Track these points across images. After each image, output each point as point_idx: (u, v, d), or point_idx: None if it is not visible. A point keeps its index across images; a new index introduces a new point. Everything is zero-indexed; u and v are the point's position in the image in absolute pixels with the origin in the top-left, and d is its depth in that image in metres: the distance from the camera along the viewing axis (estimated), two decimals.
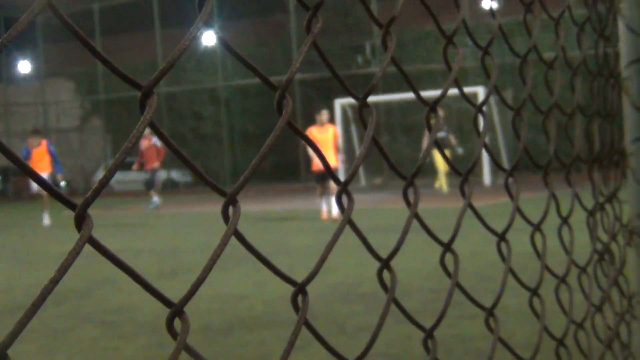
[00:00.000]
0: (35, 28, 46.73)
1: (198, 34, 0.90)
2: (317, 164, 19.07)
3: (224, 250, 0.98)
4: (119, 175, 36.21)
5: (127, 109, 43.24)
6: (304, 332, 1.16)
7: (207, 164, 41.49)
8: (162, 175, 29.50)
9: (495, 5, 33.57)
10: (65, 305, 9.35)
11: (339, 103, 31.38)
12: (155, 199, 27.45)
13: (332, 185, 17.94)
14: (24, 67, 49.42)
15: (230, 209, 0.99)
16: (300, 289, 1.10)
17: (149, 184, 28.31)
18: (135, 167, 28.75)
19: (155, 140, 26.58)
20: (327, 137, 19.03)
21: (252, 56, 35.08)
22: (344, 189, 1.14)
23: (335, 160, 19.22)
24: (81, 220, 0.79)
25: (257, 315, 8.44)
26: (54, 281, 0.79)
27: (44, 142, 23.12)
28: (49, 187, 0.80)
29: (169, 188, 43.09)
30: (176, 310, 0.93)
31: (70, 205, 0.80)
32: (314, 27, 1.06)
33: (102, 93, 44.65)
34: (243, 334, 7.60)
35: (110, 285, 10.66)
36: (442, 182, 27.73)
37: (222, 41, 0.99)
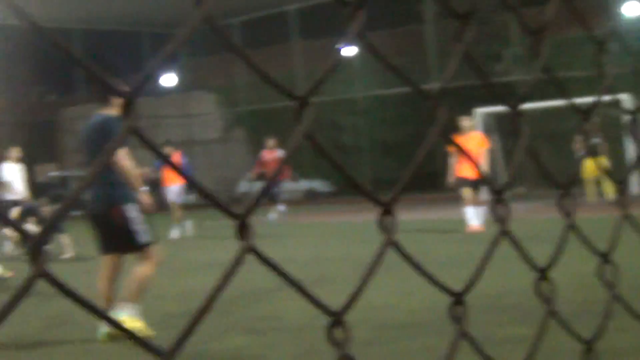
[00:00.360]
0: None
1: (343, 44, 0.91)
2: (464, 171, 18.49)
3: (380, 260, 0.98)
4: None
5: (267, 120, 43.77)
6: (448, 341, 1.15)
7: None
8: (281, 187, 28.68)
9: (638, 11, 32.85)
10: (212, 313, 9.46)
11: (479, 112, 31.02)
12: (273, 215, 26.94)
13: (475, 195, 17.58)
14: (169, 80, 50.60)
15: (387, 219, 0.99)
16: (458, 299, 1.09)
17: (273, 197, 27.19)
18: (252, 176, 28.76)
19: (279, 153, 26.17)
20: (470, 145, 17.86)
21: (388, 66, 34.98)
22: (499, 198, 1.13)
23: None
24: (243, 229, 0.80)
25: (403, 325, 8.39)
26: (219, 289, 0.80)
27: (177, 154, 23.42)
28: (210, 196, 0.81)
29: (311, 198, 43.44)
30: (336, 318, 0.94)
31: (233, 215, 0.81)
32: (466, 36, 1.05)
33: (243, 105, 45.35)
34: (388, 344, 7.57)
35: (256, 294, 10.77)
36: (588, 190, 26.75)
37: (372, 49, 0.99)
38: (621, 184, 1.47)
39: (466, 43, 1.05)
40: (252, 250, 0.81)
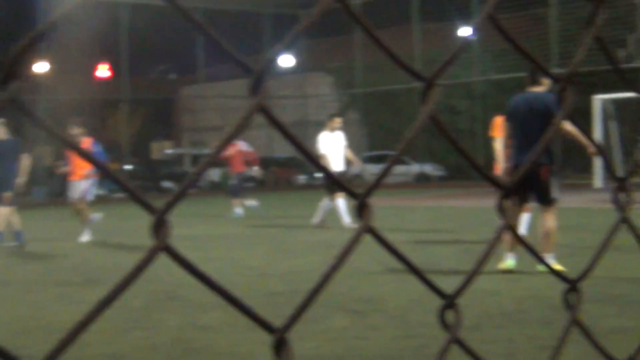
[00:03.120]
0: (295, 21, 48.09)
1: (476, 27, 0.90)
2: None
3: (495, 245, 0.97)
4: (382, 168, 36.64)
5: (383, 102, 43.81)
6: (554, 332, 1.13)
7: (461, 159, 41.24)
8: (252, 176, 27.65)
9: None
10: (317, 294, 9.55)
11: (599, 99, 30.42)
12: (238, 209, 25.12)
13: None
14: (286, 61, 50.98)
15: (505, 203, 0.98)
16: (573, 286, 1.07)
17: (234, 191, 25.68)
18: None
19: (242, 145, 25.12)
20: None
21: (509, 50, 34.69)
22: (621, 185, 1.10)
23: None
24: (362, 209, 0.80)
25: (507, 312, 8.33)
26: (333, 267, 0.80)
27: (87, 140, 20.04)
28: (331, 175, 0.81)
29: (422, 181, 43.32)
30: (449, 301, 0.93)
31: (353, 194, 0.81)
32: (598, 19, 1.03)
33: (359, 87, 45.41)
34: (491, 331, 7.51)
35: (361, 277, 10.79)
36: None
37: (502, 32, 0.98)
38: None
39: (598, 27, 1.03)
40: (370, 231, 0.80)
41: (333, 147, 18.75)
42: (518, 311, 8.40)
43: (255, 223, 21.44)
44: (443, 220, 21.28)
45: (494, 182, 1.01)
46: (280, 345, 0.84)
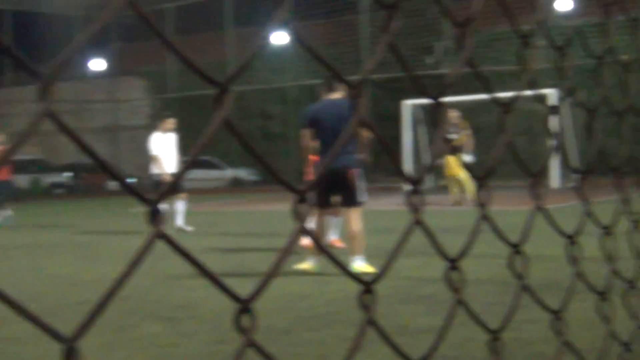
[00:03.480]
0: (110, 27, 47.33)
1: (271, 32, 0.91)
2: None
3: (291, 248, 0.98)
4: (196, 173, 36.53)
5: (197, 107, 43.58)
6: (367, 332, 1.15)
7: (275, 162, 41.49)
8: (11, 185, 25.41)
9: (570, 7, 33.37)
10: (128, 301, 9.43)
11: (408, 103, 31.25)
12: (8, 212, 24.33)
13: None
14: (97, 65, 50.06)
15: (301, 207, 0.99)
16: (368, 288, 1.10)
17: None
18: None
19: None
20: None
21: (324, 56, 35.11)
22: (415, 188, 1.14)
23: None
24: (154, 215, 0.79)
25: (319, 315, 8.43)
26: (125, 274, 0.79)
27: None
28: (125, 183, 0.81)
29: (236, 186, 43.37)
30: (244, 306, 0.94)
31: (145, 201, 0.80)
32: (392, 26, 1.05)
33: (172, 92, 45.07)
34: (304, 334, 7.59)
35: (173, 282, 10.76)
36: (450, 187, 25.08)
37: (300, 40, 0.99)
38: (534, 177, 1.49)
39: (392, 34, 1.05)
40: (162, 236, 0.80)
41: (165, 149, 18.69)
42: (329, 313, 8.51)
43: (62, 231, 21.07)
44: (256, 224, 21.37)
45: (289, 186, 1.02)
46: (69, 355, 0.82)
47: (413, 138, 31.43)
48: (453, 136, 22.31)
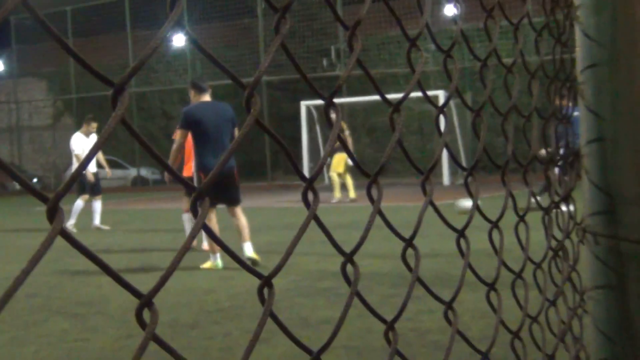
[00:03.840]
0: (10, 29, 46.34)
1: (169, 34, 0.90)
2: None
3: (191, 244, 0.98)
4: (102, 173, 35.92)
5: (98, 108, 42.95)
6: (269, 324, 1.15)
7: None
8: None
9: (456, 11, 33.69)
10: (36, 298, 9.27)
11: (304, 104, 31.34)
12: None
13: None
14: None
15: (203, 204, 0.99)
16: (267, 281, 1.10)
17: None
18: None
19: None
20: None
21: (220, 58, 34.89)
22: (309, 186, 1.14)
23: None
24: (53, 213, 0.78)
25: (223, 309, 8.42)
26: (26, 272, 0.77)
27: None
28: (22, 181, 0.79)
29: (139, 185, 42.93)
30: (145, 301, 0.93)
31: (43, 199, 0.78)
32: (282, 28, 1.05)
33: (74, 92, 44.33)
34: (209, 327, 7.57)
35: (81, 279, 10.63)
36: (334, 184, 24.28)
37: (193, 41, 0.98)
38: (425, 174, 1.51)
39: (282, 35, 1.05)
40: (62, 233, 0.78)
41: (87, 149, 18.46)
42: (234, 307, 8.51)
43: None
44: (160, 222, 21.20)
45: (187, 185, 1.02)
46: None
47: (310, 138, 31.53)
48: (345, 137, 22.23)
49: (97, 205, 19.08)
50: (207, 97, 11.49)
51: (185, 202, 13.90)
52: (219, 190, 10.88)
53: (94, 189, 18.89)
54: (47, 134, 46.68)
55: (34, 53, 46.43)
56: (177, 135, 11.41)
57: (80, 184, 18.71)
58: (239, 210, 11.51)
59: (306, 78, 1.16)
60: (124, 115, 0.84)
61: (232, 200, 11.38)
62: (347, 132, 23.01)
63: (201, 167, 11.09)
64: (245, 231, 11.34)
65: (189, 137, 12.06)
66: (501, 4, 1.91)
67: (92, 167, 18.80)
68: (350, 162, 22.06)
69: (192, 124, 11.08)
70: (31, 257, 0.77)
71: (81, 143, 18.70)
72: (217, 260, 11.21)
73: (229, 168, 10.97)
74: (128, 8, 42.01)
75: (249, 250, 11.15)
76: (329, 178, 24.28)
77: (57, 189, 0.80)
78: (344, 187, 23.57)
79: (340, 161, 22.82)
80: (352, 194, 23.38)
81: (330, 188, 24.03)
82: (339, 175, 23.66)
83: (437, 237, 8.97)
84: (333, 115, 1.21)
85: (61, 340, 7.36)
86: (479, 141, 1.77)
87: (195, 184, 10.74)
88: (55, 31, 0.82)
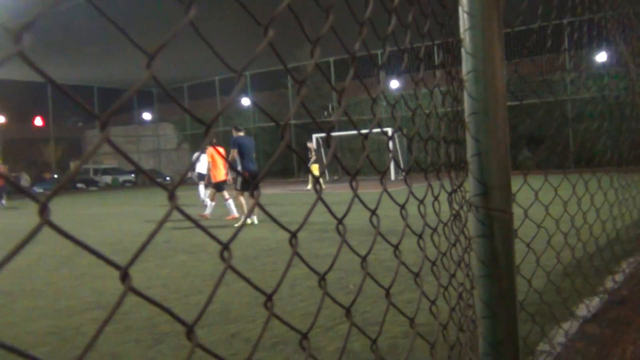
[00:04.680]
0: (152, 96, 46.28)
1: (238, 97, 0.87)
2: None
3: (251, 213, 0.94)
4: None
5: (202, 140, 42.87)
6: (295, 258, 1.11)
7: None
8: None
9: (397, 84, 34.07)
10: (169, 243, 9.17)
11: (315, 136, 31.39)
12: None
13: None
14: (146, 115, 49.04)
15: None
16: (294, 234, 1.06)
17: None
18: None
19: None
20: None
21: (274, 113, 34.95)
22: (317, 181, 1.11)
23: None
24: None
25: (271, 248, 8.32)
26: (151, 234, 0.74)
27: None
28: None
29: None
30: (224, 246, 0.89)
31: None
32: (302, 92, 1.03)
33: (188, 130, 44.23)
34: (264, 258, 7.47)
35: (192, 232, 10.48)
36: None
37: (254, 104, 0.96)
38: (382, 173, 1.47)
39: (302, 97, 1.02)
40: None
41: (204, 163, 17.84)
42: (277, 248, 8.43)
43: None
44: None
45: (246, 180, 0.99)
46: None
47: (318, 155, 31.54)
48: (313, 155, 22.46)
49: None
50: (242, 133, 11.75)
51: (210, 194, 13.63)
52: (249, 182, 11.13)
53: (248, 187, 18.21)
54: (174, 154, 46.62)
55: (166, 108, 46.49)
56: (232, 152, 11.49)
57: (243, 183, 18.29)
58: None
59: (316, 122, 1.13)
60: (212, 142, 0.81)
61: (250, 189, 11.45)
62: (314, 154, 23.23)
63: (245, 169, 11.38)
64: (254, 209, 11.51)
65: (215, 158, 13.06)
66: (423, 79, 1.89)
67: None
68: (316, 170, 23.04)
69: (238, 145, 11.47)
70: (155, 226, 0.74)
71: (203, 159, 18.30)
72: (254, 219, 11.74)
73: (256, 171, 11.51)
74: (218, 85, 41.81)
75: (254, 218, 11.78)
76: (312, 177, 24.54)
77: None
78: (317, 182, 23.87)
79: (315, 168, 23.30)
80: (308, 186, 23.82)
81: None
82: (313, 175, 23.87)
83: (387, 209, 8.93)
84: (312, 144, 1.18)
85: (182, 266, 7.34)
86: (411, 155, 1.75)
87: (240, 180, 11.30)
88: (175, 99, 0.79)
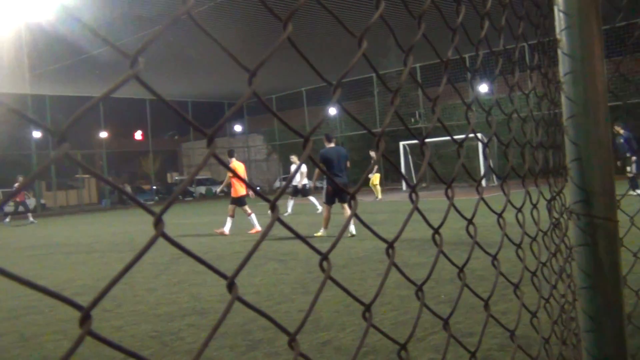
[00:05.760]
0: (243, 110, 47.71)
1: (331, 108, 0.88)
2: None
3: (347, 226, 0.95)
4: None
5: (290, 150, 43.56)
6: (384, 266, 1.10)
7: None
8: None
9: (486, 89, 33.18)
10: (260, 251, 9.37)
11: (401, 144, 31.11)
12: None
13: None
14: (237, 127, 50.61)
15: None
16: (391, 244, 1.05)
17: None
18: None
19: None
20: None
21: (354, 122, 35.10)
22: (413, 190, 1.10)
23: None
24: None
25: (360, 257, 8.31)
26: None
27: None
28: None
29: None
30: (323, 257, 0.90)
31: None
32: (395, 101, 1.02)
33: (277, 141, 45.17)
34: (352, 267, 7.47)
35: (282, 242, 10.66)
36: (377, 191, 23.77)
37: (348, 113, 0.97)
38: (448, 184, 1.44)
39: (395, 105, 1.02)
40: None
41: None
42: (365, 256, 8.40)
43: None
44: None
45: (344, 191, 0.99)
46: None
47: (405, 164, 31.24)
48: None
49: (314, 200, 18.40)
50: (332, 144, 11.44)
51: (230, 210, 13.16)
52: (338, 194, 11.18)
53: (303, 193, 18.40)
54: (263, 164, 47.75)
55: (256, 120, 47.72)
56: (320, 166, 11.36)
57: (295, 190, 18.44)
58: (346, 206, 11.23)
59: (410, 130, 1.12)
60: (310, 154, 0.82)
61: (344, 201, 11.25)
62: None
63: (331, 183, 11.13)
64: (351, 219, 11.23)
65: (235, 170, 12.35)
66: (518, 82, 1.84)
67: (299, 180, 18.46)
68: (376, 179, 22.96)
69: (323, 159, 11.14)
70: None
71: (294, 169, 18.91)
72: (327, 230, 11.38)
73: (344, 183, 11.20)
74: (305, 96, 42.41)
75: (352, 228, 11.16)
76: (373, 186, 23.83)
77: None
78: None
79: (376, 177, 22.96)
80: (379, 196, 23.28)
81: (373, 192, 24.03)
82: (374, 185, 23.44)
83: (481, 218, 8.68)
84: (372, 153, 1.17)
85: (273, 274, 7.47)
86: (509, 162, 1.70)
87: (327, 192, 11.09)
88: (270, 108, 0.81)
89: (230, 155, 13.02)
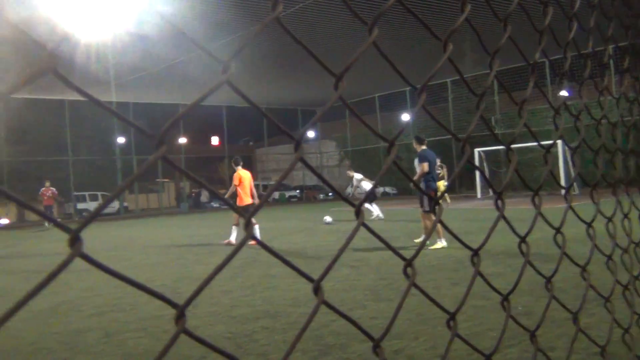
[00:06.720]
0: (315, 114, 47.98)
1: (414, 115, 0.87)
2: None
3: (430, 235, 0.93)
4: None
5: (361, 155, 43.46)
6: (465, 276, 1.08)
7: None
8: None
9: (574, 92, 31.81)
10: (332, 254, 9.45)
11: (477, 150, 30.42)
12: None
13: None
14: (310, 133, 51.19)
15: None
16: (476, 252, 1.03)
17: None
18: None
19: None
20: None
21: (429, 128, 34.72)
22: (499, 197, 1.07)
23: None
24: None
25: (433, 265, 8.18)
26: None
27: None
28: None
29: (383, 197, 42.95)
30: (407, 263, 0.89)
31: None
32: (480, 107, 1.00)
33: (349, 147, 45.26)
34: (427, 275, 7.37)
35: (354, 250, 10.65)
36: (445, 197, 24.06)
37: (432, 117, 0.95)
38: (534, 191, 1.38)
39: (481, 110, 1.00)
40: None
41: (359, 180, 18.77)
42: (438, 265, 8.28)
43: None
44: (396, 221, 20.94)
45: (429, 197, 0.97)
46: None
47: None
48: (438, 170, 20.53)
49: (374, 207, 18.35)
50: (424, 146, 10.33)
51: (235, 218, 12.69)
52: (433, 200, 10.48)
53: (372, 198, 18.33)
54: (335, 170, 47.97)
55: (328, 126, 48.03)
56: (424, 166, 10.14)
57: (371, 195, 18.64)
58: (431, 215, 10.37)
59: (495, 135, 1.09)
60: (238, 162, 0.82)
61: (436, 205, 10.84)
62: (443, 170, 21.45)
63: (429, 188, 10.20)
64: (434, 228, 10.52)
65: (241, 178, 11.73)
66: (607, 86, 1.75)
67: (367, 186, 18.32)
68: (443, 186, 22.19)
69: (427, 159, 10.23)
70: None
71: (358, 176, 18.97)
72: (443, 242, 10.18)
73: (434, 189, 10.20)
74: (378, 102, 42.21)
75: (441, 242, 10.19)
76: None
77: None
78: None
79: (441, 184, 22.34)
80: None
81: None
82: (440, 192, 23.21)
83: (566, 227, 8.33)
84: (438, 160, 1.13)
85: (345, 279, 7.46)
86: (598, 169, 1.62)
87: (426, 200, 10.03)
88: (356, 112, 0.81)
89: (236, 163, 12.58)
